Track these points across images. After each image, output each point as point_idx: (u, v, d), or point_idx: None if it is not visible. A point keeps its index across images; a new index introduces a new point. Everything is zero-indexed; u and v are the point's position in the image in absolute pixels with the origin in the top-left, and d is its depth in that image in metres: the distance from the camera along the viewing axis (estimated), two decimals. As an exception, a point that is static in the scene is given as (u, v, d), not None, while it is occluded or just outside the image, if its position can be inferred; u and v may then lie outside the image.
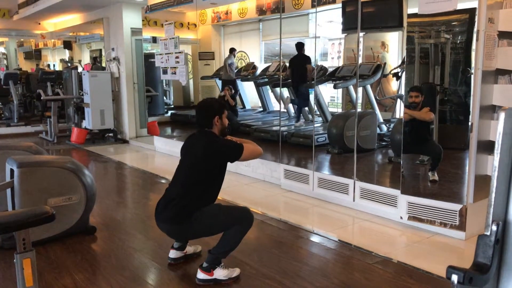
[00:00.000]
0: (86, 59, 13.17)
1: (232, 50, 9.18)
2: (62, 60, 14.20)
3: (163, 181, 5.76)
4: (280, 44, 5.97)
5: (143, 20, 8.81)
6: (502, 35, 3.52)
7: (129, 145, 8.77)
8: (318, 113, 7.54)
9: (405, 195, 3.94)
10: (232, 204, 4.39)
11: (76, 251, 3.45)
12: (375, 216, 4.24)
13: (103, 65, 10.13)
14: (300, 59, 7.36)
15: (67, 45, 13.49)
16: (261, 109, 9.50)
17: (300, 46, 7.42)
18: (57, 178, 3.53)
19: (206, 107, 3.01)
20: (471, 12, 3.55)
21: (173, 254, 3.20)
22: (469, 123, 3.53)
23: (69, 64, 12.83)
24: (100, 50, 11.42)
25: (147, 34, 9.59)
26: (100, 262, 3.31)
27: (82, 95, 8.91)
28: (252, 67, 9.18)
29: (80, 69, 10.40)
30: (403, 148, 4.12)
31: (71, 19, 11.02)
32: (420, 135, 4.29)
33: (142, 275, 3.13)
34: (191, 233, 2.96)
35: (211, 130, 2.97)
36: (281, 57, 7.08)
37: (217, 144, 2.91)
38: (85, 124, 8.96)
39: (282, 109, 8.06)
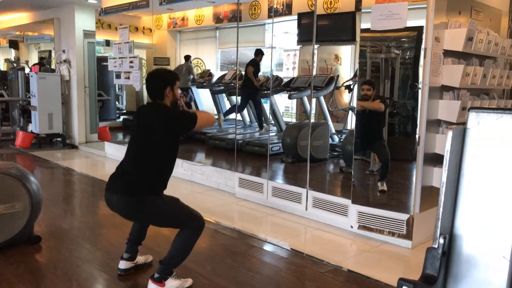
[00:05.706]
0: (34, 60, 12.60)
1: (188, 58, 9.11)
2: (7, 60, 13.51)
3: (113, 188, 5.59)
4: (237, 52, 5.99)
5: (96, 23, 8.57)
6: (447, 53, 3.73)
7: (78, 151, 8.47)
8: (273, 122, 7.62)
9: (355, 204, 4.05)
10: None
11: (19, 262, 3.27)
12: (326, 225, 4.32)
13: (53, 67, 9.74)
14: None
15: (13, 44, 12.87)
16: (217, 117, 9.47)
17: (255, 52, 7.46)
18: None
19: (157, 77, 2.90)
20: (419, 30, 3.72)
21: (123, 265, 3.10)
22: (417, 136, 3.69)
23: (15, 65, 12.23)
24: (50, 51, 10.97)
25: (100, 37, 9.31)
26: (45, 273, 3.16)
27: (29, 97, 8.53)
28: (208, 74, 9.14)
29: (27, 70, 9.94)
30: (355, 146, 4.22)
31: (19, 17, 10.53)
32: (372, 131, 4.38)
33: (90, 287, 3.02)
34: (143, 214, 2.81)
35: (162, 102, 2.87)
36: (238, 66, 7.10)
37: (171, 113, 2.84)
38: (31, 127, 8.56)
39: (238, 117, 8.08)
